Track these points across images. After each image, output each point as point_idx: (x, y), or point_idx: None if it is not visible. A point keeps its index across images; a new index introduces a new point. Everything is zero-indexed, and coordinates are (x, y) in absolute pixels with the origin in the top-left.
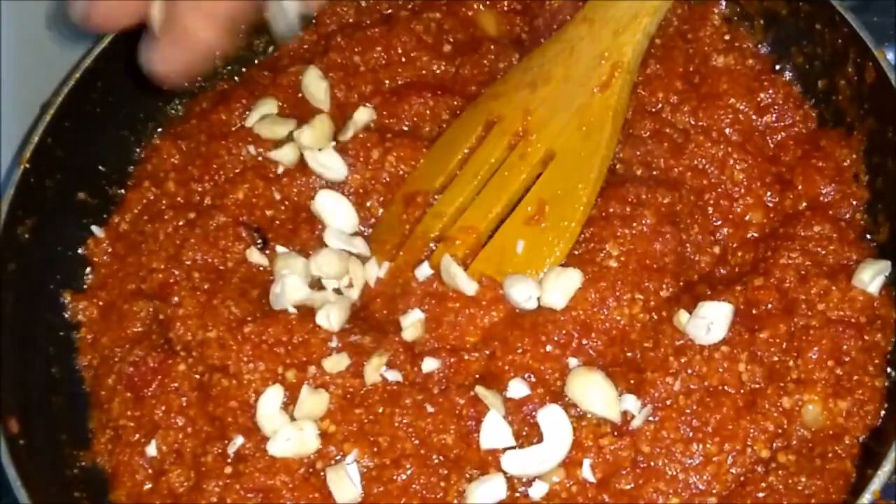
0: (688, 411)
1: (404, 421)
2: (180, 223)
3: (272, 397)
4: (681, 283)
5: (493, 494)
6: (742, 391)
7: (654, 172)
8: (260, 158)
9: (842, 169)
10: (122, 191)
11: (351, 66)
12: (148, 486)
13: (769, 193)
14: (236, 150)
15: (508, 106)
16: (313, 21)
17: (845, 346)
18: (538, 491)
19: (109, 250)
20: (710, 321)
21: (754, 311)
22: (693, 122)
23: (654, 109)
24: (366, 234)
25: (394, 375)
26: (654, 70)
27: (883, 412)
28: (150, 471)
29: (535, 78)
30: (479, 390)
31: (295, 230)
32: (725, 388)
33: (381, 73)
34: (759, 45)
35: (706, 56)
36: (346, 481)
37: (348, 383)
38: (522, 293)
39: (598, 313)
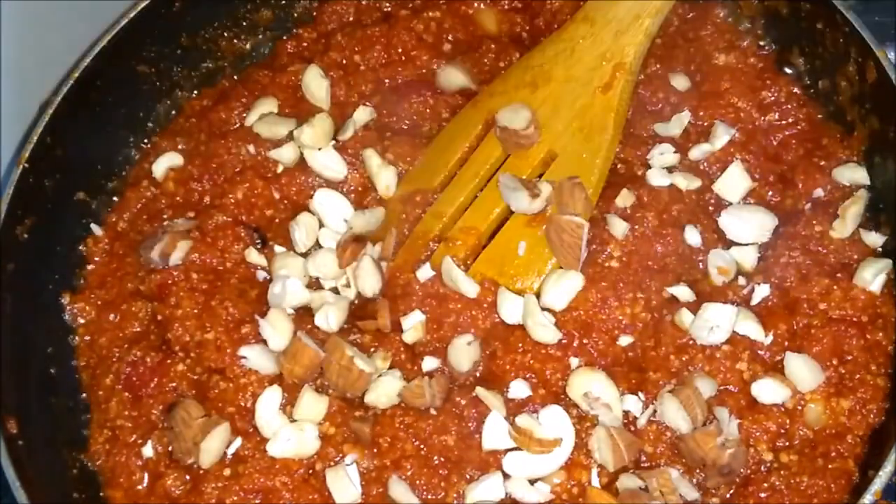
0: None
1: (405, 422)
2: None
3: (271, 398)
4: (683, 282)
5: (493, 494)
6: (744, 390)
7: None
8: (259, 158)
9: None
10: (122, 190)
11: (351, 65)
12: (146, 486)
13: (770, 192)
14: (236, 149)
15: (508, 105)
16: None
17: (847, 346)
18: (540, 492)
19: (108, 249)
20: (713, 323)
21: (756, 311)
22: (694, 121)
23: (654, 109)
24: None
25: (394, 375)
26: (654, 70)
27: (885, 411)
28: (146, 472)
29: (535, 77)
30: (480, 391)
31: None
32: (728, 387)
33: (381, 72)
34: (760, 45)
35: (707, 55)
36: (345, 482)
37: None
38: (510, 312)
39: (600, 313)
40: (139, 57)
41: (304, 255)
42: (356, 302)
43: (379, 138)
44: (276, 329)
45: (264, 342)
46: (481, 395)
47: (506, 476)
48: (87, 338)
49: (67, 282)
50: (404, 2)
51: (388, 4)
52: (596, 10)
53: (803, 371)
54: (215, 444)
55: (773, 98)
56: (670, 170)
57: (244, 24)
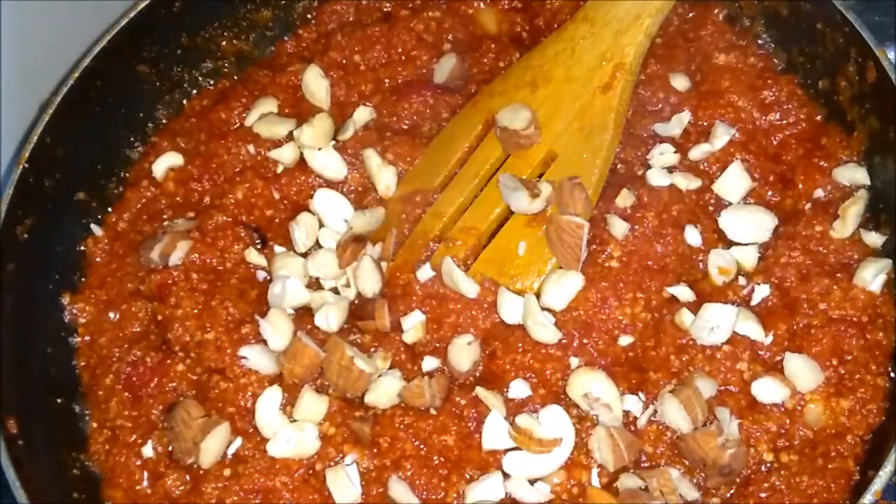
0: None
1: (405, 422)
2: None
3: (271, 398)
4: (683, 282)
5: (493, 494)
6: (744, 390)
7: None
8: (259, 158)
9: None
10: (122, 190)
11: (351, 65)
12: (145, 486)
13: (770, 192)
14: (235, 149)
15: (508, 105)
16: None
17: (847, 346)
18: (540, 492)
19: (108, 249)
20: (714, 323)
21: (756, 311)
22: (694, 121)
23: (654, 109)
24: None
25: (394, 375)
26: (654, 70)
27: (885, 411)
28: (146, 472)
29: (535, 77)
30: (480, 391)
31: None
32: (728, 387)
33: (381, 72)
34: (760, 45)
35: (708, 54)
36: (345, 482)
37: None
38: (510, 312)
39: (600, 313)
40: (139, 57)
41: (304, 255)
42: (356, 302)
43: (379, 138)
44: (276, 329)
45: (264, 342)
46: (481, 395)
47: (506, 476)
48: (87, 338)
49: (67, 282)
50: (404, 2)
51: (388, 4)
52: (596, 10)
53: (803, 371)
54: (215, 444)
55: (773, 98)
56: (670, 170)
57: (244, 24)
